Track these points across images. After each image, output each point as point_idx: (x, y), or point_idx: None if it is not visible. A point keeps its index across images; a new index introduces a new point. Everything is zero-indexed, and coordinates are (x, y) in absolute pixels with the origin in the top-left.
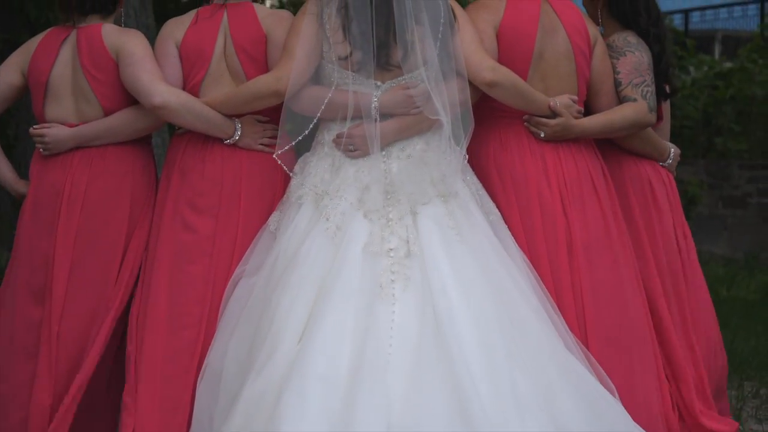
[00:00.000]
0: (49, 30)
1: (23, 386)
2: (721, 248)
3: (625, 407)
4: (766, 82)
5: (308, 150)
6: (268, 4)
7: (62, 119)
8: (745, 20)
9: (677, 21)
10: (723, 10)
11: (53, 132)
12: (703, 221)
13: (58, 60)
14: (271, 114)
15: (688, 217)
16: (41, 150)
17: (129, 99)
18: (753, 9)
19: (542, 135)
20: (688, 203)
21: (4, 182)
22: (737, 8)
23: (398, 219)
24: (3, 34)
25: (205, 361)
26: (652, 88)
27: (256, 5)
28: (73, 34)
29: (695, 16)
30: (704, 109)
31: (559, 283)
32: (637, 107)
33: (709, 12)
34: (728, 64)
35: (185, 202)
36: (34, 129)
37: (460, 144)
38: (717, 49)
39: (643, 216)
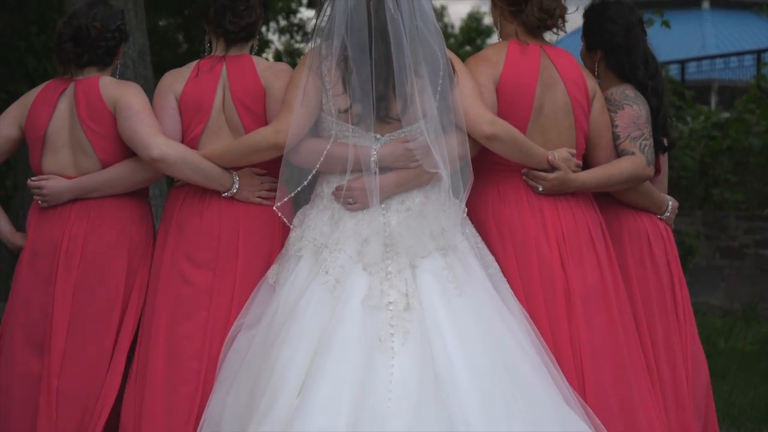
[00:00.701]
0: (46, 83)
1: None
2: (718, 299)
3: None
4: (763, 133)
5: (307, 202)
6: (265, 54)
7: (60, 171)
8: (741, 71)
9: (674, 71)
10: (719, 60)
11: (51, 184)
12: (701, 272)
13: (56, 113)
14: (269, 167)
15: (685, 269)
16: (39, 202)
17: (127, 151)
18: (749, 59)
19: (540, 189)
20: (685, 254)
21: (0, 235)
22: (733, 59)
23: (397, 272)
24: (3, 88)
25: (203, 415)
26: (650, 142)
27: (255, 58)
28: (71, 86)
29: (691, 67)
30: (701, 160)
31: (558, 337)
32: (635, 161)
33: (705, 62)
34: (725, 115)
35: (183, 255)
36: (32, 181)
37: (459, 197)
38: (713, 100)
39: (638, 271)
